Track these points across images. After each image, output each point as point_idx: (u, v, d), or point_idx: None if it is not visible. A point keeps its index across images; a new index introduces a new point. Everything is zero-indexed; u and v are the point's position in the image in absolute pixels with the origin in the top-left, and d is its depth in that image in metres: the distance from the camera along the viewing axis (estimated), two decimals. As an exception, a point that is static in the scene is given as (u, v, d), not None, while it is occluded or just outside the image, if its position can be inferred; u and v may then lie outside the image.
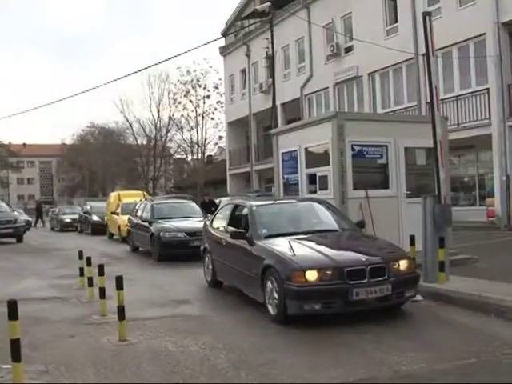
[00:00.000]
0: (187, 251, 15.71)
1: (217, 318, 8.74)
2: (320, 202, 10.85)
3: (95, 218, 30.96)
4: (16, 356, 5.50)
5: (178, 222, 17.36)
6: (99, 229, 29.60)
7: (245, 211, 10.32)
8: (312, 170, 13.35)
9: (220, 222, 11.33)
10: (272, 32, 28.09)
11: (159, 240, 16.52)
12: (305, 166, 13.62)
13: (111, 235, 26.78)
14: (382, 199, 12.10)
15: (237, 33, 40.01)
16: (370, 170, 12.89)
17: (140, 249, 19.49)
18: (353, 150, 12.40)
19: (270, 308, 8.22)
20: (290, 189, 14.37)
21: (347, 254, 8.41)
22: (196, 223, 16.64)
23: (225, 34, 40.77)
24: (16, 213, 29.11)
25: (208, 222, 12.33)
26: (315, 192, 13.02)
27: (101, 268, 9.08)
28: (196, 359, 6.49)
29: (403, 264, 8.18)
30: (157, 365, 6.32)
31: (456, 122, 22.50)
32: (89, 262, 10.73)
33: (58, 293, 11.40)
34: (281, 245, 8.59)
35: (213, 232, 11.49)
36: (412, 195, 12.45)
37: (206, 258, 11.68)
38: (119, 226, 24.51)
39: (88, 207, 33.21)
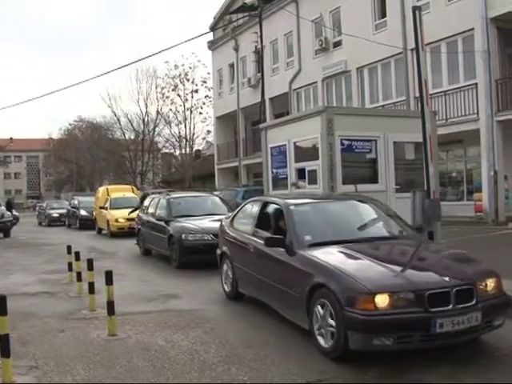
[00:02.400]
0: (215, 257, 11.54)
1: (206, 312, 8.70)
2: (364, 199, 9.12)
3: (83, 212, 30.86)
4: (5, 351, 5.48)
5: (201, 222, 14.36)
6: (87, 224, 29.54)
7: (277, 211, 8.51)
8: (301, 165, 13.35)
9: (244, 223, 9.53)
10: (261, 26, 28.01)
11: (180, 243, 13.60)
12: (294, 160, 13.63)
13: (100, 230, 26.65)
14: (371, 194, 12.05)
15: (225, 27, 39.91)
16: (359, 164, 12.89)
17: (153, 252, 16.60)
18: (342, 144, 12.41)
19: (320, 338, 6.42)
20: (279, 183, 14.38)
21: (424, 272, 6.57)
22: None
23: (213, 28, 40.66)
24: (3, 207, 28.96)
25: (225, 222, 10.51)
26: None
27: (90, 263, 9.06)
28: (186, 354, 6.48)
29: (491, 284, 6.43)
30: (147, 360, 6.30)
31: (444, 117, 22.57)
32: (77, 256, 10.72)
33: (46, 288, 11.35)
34: (333, 256, 6.86)
35: (234, 234, 9.61)
36: (401, 190, 12.47)
37: (225, 265, 9.84)
38: (108, 221, 24.44)
39: (76, 202, 33.08)
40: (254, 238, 8.64)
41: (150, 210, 17.04)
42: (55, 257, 16.52)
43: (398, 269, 6.56)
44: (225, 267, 9.85)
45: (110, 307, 7.34)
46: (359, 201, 9.05)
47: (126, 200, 25.47)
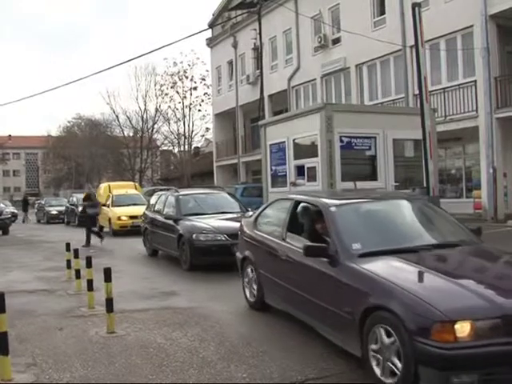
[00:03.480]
0: (229, 259, 11.13)
1: (205, 309, 8.67)
2: (412, 198, 8.24)
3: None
4: (3, 349, 5.47)
5: (213, 220, 13.30)
6: (86, 221, 29.34)
7: (314, 213, 7.32)
8: (300, 162, 13.35)
9: (271, 225, 8.44)
10: (260, 23, 27.96)
11: (191, 244, 12.50)
12: (293, 157, 13.62)
13: (101, 228, 25.13)
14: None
15: (224, 24, 39.84)
16: (358, 161, 12.93)
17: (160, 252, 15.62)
18: (341, 141, 12.44)
19: (379, 372, 5.23)
20: (278, 180, 14.38)
21: (508, 291, 5.22)
22: (238, 221, 12.29)
23: (212, 25, 40.56)
24: (2, 205, 28.94)
25: (246, 222, 9.36)
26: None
27: (88, 260, 9.04)
28: (185, 351, 6.46)
29: None
30: (145, 357, 6.27)
31: (443, 114, 22.53)
32: (76, 254, 10.69)
33: (45, 285, 11.32)
34: (392, 270, 5.71)
35: (260, 238, 8.40)
36: (400, 187, 12.48)
37: (248, 272, 8.68)
38: (110, 219, 23.75)
39: (74, 199, 32.93)
40: (286, 244, 7.47)
41: (157, 208, 15.92)
42: (54, 254, 16.49)
43: (477, 287, 5.27)
44: (248, 274, 8.68)
45: (109, 305, 7.32)
46: (408, 200, 7.96)
47: (129, 197, 25.04)
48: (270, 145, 14.62)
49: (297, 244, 7.09)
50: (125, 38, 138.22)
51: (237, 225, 11.50)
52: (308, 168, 12.96)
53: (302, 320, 6.98)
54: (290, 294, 7.19)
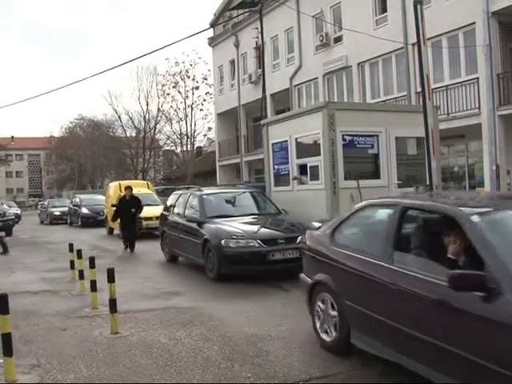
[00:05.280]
0: (264, 268, 10.66)
1: (209, 309, 8.68)
2: None
3: (85, 210, 30.74)
4: (7, 350, 5.47)
5: (244, 224, 11.78)
6: (89, 222, 29.40)
7: (440, 223, 5.40)
8: (303, 161, 13.34)
9: (364, 239, 6.42)
10: (261, 22, 27.92)
11: (220, 251, 10.98)
12: (295, 156, 13.61)
13: (111, 230, 24.55)
14: (373, 189, 12.05)
15: (225, 23, 39.81)
16: (361, 159, 12.89)
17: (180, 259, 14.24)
18: (344, 139, 12.40)
19: None
20: (281, 179, 14.38)
21: None
22: (273, 224, 11.85)
23: (213, 25, 40.54)
24: (5, 206, 29.00)
25: (315, 235, 7.22)
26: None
27: (92, 260, 9.04)
28: (189, 351, 6.46)
29: None
30: (150, 357, 6.27)
31: (446, 112, 22.49)
32: (79, 254, 10.71)
33: (48, 286, 11.34)
34: None
35: (342, 259, 6.21)
36: (403, 185, 12.46)
37: (322, 301, 6.52)
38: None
39: (77, 200, 32.98)
40: (395, 268, 5.35)
41: (177, 210, 14.38)
42: (57, 255, 16.51)
43: None
44: (321, 304, 6.53)
45: (113, 305, 7.33)
46: None
47: (142, 197, 24.02)
48: (273, 144, 14.61)
49: (414, 269, 5.15)
50: (126, 39, 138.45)
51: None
52: (310, 167, 12.95)
53: (427, 378, 4.86)
54: (402, 340, 5.17)
